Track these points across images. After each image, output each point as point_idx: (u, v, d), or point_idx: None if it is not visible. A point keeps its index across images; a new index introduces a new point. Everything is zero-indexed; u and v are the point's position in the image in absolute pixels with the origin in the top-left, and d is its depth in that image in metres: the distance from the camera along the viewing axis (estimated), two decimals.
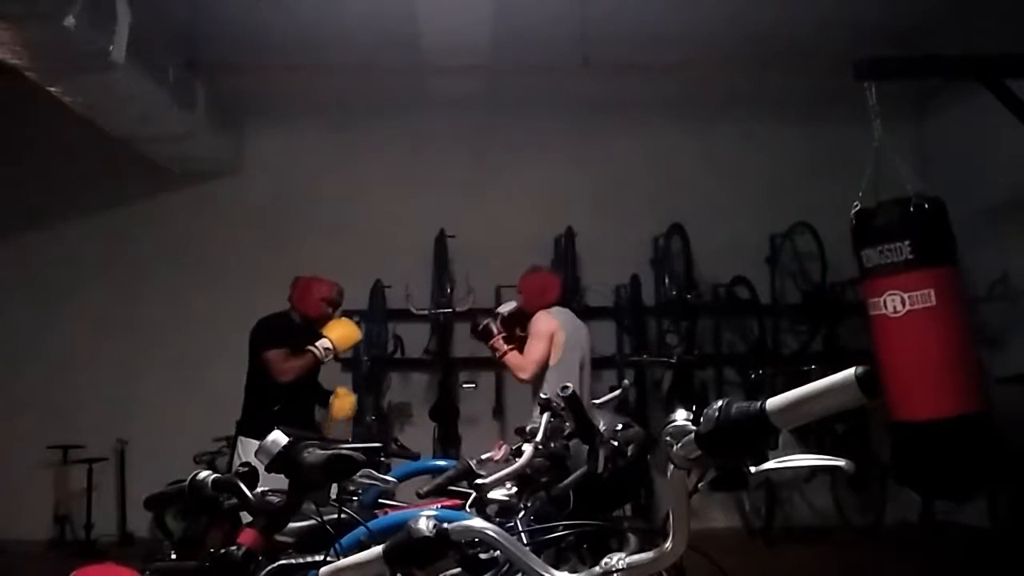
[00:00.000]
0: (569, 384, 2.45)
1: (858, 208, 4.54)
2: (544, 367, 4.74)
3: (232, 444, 5.01)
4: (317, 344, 4.70)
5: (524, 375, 4.75)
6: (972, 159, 6.43)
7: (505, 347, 4.84)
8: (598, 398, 2.94)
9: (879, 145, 4.50)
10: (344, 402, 4.96)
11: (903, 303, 4.31)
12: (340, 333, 4.81)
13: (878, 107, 4.58)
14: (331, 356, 4.78)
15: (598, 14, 5.60)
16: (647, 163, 7.11)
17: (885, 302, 4.36)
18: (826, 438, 6.17)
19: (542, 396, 2.68)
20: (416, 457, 3.68)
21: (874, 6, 5.54)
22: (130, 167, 6.64)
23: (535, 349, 4.76)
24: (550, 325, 4.79)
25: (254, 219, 7.04)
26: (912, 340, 4.32)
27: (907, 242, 4.30)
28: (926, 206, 4.35)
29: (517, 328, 4.96)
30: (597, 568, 1.35)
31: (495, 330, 4.87)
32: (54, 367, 6.84)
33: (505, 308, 5.13)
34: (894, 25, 5.59)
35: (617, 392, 3.12)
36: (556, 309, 4.92)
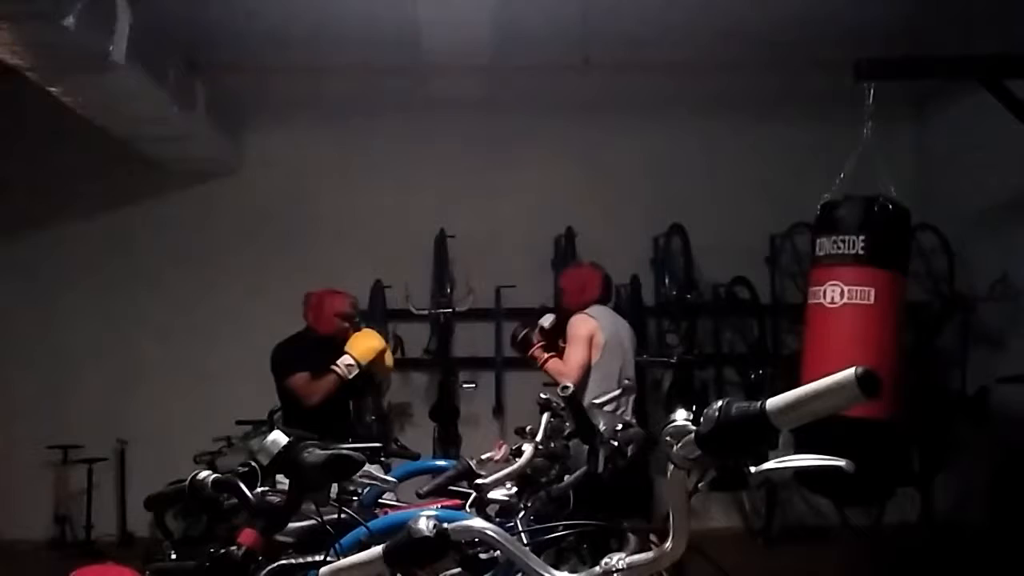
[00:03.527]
0: (569, 384, 2.45)
1: (826, 199, 4.56)
2: (587, 370, 4.65)
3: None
4: (339, 363, 4.56)
5: (567, 381, 4.68)
6: (972, 159, 6.43)
7: (544, 355, 4.77)
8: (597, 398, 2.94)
9: (867, 144, 4.53)
10: (365, 341, 4.71)
11: (841, 295, 4.32)
12: (362, 347, 4.66)
13: (872, 107, 4.59)
14: (356, 372, 4.60)
15: (599, 13, 5.59)
16: (647, 163, 7.10)
17: (825, 291, 4.38)
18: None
19: (541, 396, 2.68)
20: (416, 457, 3.68)
21: (874, 6, 5.53)
22: (130, 167, 6.64)
23: (575, 354, 4.64)
24: (588, 327, 4.69)
25: (254, 219, 7.04)
26: (840, 333, 4.33)
27: (862, 237, 4.32)
28: (890, 207, 4.36)
29: (560, 339, 4.85)
30: (597, 568, 1.35)
31: (534, 339, 4.81)
32: (54, 367, 6.84)
33: (546, 321, 4.99)
34: (894, 25, 5.59)
35: (617, 392, 3.13)
36: (595, 308, 4.80)
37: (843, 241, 4.35)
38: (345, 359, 4.58)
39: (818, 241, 4.53)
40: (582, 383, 4.57)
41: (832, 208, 4.51)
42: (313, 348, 4.69)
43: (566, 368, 4.64)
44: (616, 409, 4.09)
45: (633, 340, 5.02)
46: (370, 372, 4.77)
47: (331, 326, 4.73)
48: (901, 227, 4.47)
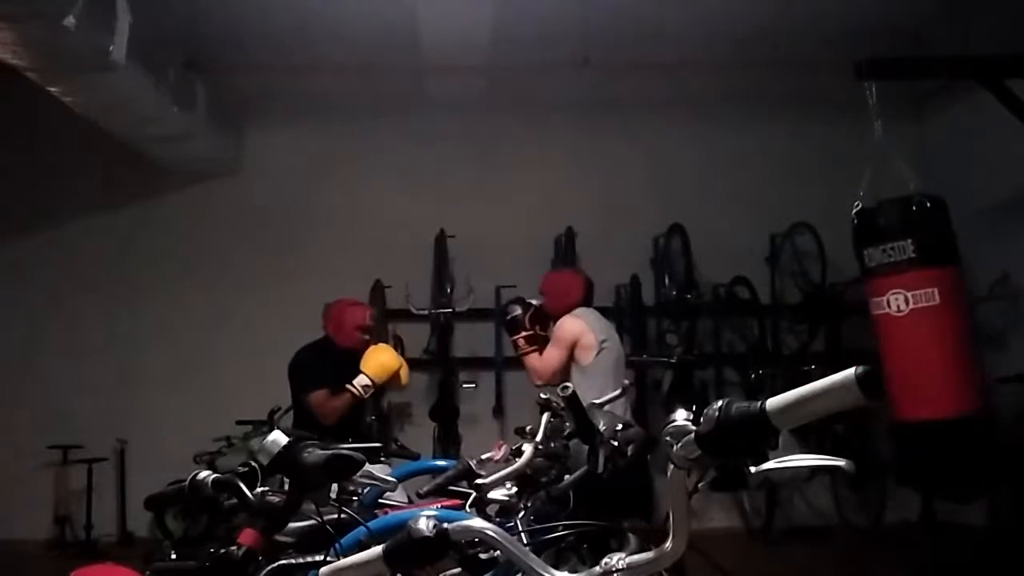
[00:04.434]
0: (569, 384, 2.45)
1: (859, 207, 4.53)
2: (568, 366, 4.56)
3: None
4: (355, 383, 4.46)
5: (538, 380, 4.55)
6: (972, 159, 6.43)
7: (527, 347, 4.67)
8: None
9: (879, 145, 4.50)
10: (378, 357, 4.58)
11: (907, 302, 4.31)
12: (377, 364, 4.55)
13: (879, 107, 4.58)
14: (371, 391, 4.53)
15: (598, 13, 5.60)
16: (647, 163, 7.11)
17: (888, 301, 4.36)
18: (826, 438, 6.17)
19: (541, 396, 2.68)
20: (416, 457, 3.68)
21: (874, 6, 5.54)
22: (130, 167, 6.64)
23: (553, 356, 4.57)
24: (574, 329, 4.58)
25: (254, 219, 7.04)
26: (915, 339, 4.31)
27: (910, 241, 4.30)
28: (928, 204, 4.35)
29: (538, 327, 4.74)
30: (597, 568, 1.35)
31: (522, 324, 4.69)
32: (54, 367, 6.84)
33: (537, 300, 4.86)
34: (894, 25, 5.59)
35: (617, 392, 3.12)
36: (582, 310, 4.71)
37: (892, 248, 4.34)
38: (361, 379, 4.47)
39: (865, 252, 4.49)
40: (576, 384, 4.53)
41: (871, 216, 4.47)
42: (334, 360, 4.60)
43: (540, 367, 4.59)
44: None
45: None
46: (383, 387, 4.72)
47: (352, 340, 4.64)
48: (943, 219, 4.45)
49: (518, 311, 4.77)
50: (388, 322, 6.82)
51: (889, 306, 4.36)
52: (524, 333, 4.72)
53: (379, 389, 4.70)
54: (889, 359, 4.42)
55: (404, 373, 4.85)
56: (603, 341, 4.62)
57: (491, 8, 5.24)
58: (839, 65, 4.75)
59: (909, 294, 4.31)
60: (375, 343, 4.73)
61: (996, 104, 4.72)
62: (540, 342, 4.72)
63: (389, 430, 6.53)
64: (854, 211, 4.53)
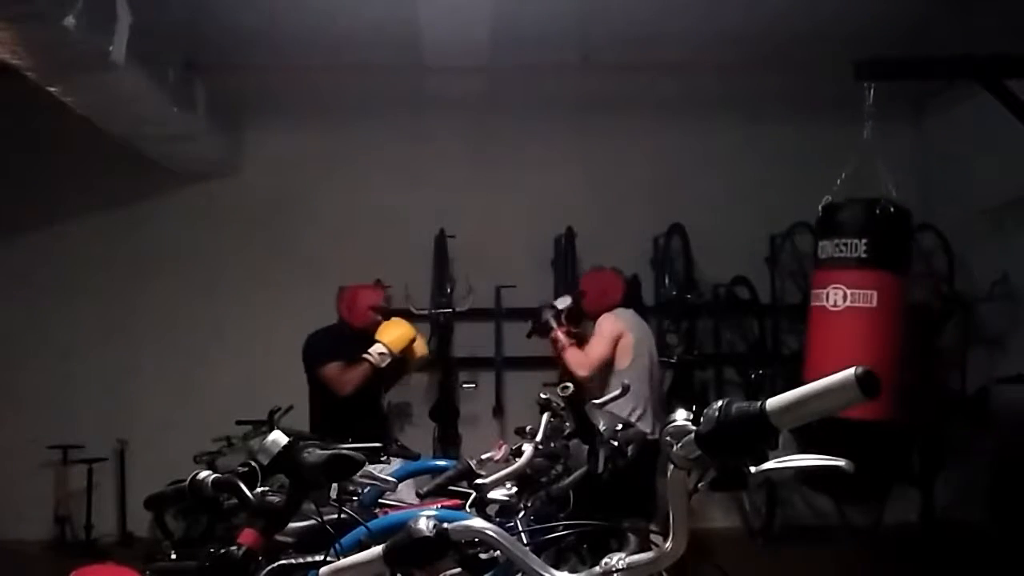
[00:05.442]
0: (569, 384, 2.46)
1: (828, 201, 4.58)
2: (605, 369, 4.61)
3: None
4: (371, 351, 4.57)
5: (583, 372, 4.55)
6: (972, 159, 6.43)
7: (567, 341, 4.69)
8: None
9: (866, 146, 4.54)
10: (394, 329, 4.70)
11: (844, 298, 4.36)
12: (394, 334, 4.67)
13: (872, 108, 4.61)
14: (388, 360, 4.61)
15: (598, 13, 5.60)
16: (647, 163, 7.10)
17: (828, 294, 4.41)
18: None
19: (541, 396, 2.68)
20: (416, 457, 3.68)
21: (874, 6, 5.54)
22: (130, 167, 6.63)
23: (597, 348, 4.61)
24: (616, 327, 4.66)
25: (254, 219, 7.04)
26: (844, 336, 4.36)
27: (864, 240, 4.34)
28: (891, 210, 4.38)
29: (571, 326, 4.82)
30: (597, 568, 1.35)
31: (554, 324, 4.74)
32: (54, 367, 6.83)
33: (561, 303, 4.93)
34: (894, 25, 5.59)
35: (617, 392, 3.12)
36: (621, 310, 4.79)
37: (845, 244, 4.38)
38: (377, 347, 4.59)
39: (820, 244, 4.55)
40: (603, 382, 4.53)
41: (834, 211, 4.53)
42: (346, 340, 4.69)
43: (586, 360, 4.59)
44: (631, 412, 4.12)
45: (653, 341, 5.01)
46: (403, 361, 4.78)
47: (365, 319, 4.74)
48: (903, 229, 4.50)
49: (548, 313, 4.80)
50: None
51: (827, 299, 4.41)
52: (561, 329, 4.73)
53: (398, 363, 4.74)
54: (813, 351, 4.52)
55: (420, 344, 4.92)
56: (639, 343, 4.64)
57: (491, 8, 5.24)
58: (839, 65, 4.75)
59: (848, 291, 4.35)
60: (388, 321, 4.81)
61: (996, 104, 4.73)
62: (576, 338, 4.74)
63: (389, 430, 6.52)
64: (821, 204, 4.58)
